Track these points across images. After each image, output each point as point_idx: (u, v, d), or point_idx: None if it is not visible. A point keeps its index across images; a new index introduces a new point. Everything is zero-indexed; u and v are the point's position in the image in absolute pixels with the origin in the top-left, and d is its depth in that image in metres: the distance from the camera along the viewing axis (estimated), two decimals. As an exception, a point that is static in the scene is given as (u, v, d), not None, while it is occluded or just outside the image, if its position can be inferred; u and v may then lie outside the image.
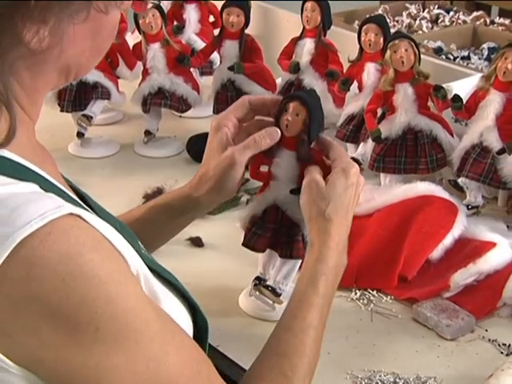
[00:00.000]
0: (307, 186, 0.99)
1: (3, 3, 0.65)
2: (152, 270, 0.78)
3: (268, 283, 1.14)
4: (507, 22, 2.46)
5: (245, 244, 1.11)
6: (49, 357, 0.66)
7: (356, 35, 1.52)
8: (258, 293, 1.15)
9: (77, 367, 0.66)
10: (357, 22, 2.27)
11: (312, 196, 0.98)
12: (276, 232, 1.08)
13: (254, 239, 1.10)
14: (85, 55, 0.74)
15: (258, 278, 1.16)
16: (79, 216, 0.67)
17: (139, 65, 1.67)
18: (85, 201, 0.81)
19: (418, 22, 2.42)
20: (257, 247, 1.10)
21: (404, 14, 2.48)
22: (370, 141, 1.45)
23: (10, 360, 0.65)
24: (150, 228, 1.05)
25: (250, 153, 1.01)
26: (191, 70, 1.70)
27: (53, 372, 0.67)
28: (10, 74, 0.69)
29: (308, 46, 1.60)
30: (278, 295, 1.13)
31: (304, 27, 1.61)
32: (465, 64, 2.10)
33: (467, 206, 1.39)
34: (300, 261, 1.11)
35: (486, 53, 2.19)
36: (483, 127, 1.36)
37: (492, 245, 1.25)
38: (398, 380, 1.04)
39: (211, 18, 1.91)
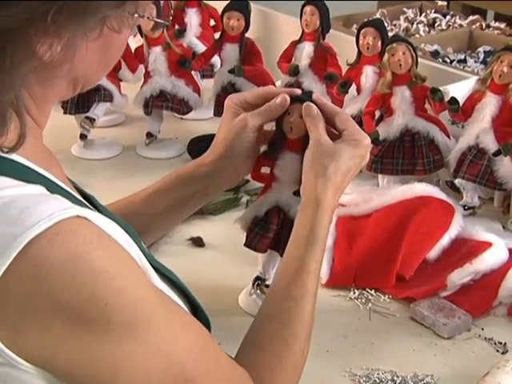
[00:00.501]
0: (315, 141, 0.96)
1: (20, 18, 0.65)
2: (154, 269, 0.78)
3: (267, 283, 1.14)
4: (502, 25, 2.47)
5: (247, 244, 1.10)
6: (62, 352, 0.66)
7: (354, 39, 1.52)
8: (258, 292, 1.14)
9: (90, 359, 0.67)
10: (355, 25, 2.27)
11: (318, 152, 0.95)
12: (278, 233, 1.08)
13: (256, 240, 1.09)
14: (93, 68, 0.75)
15: (257, 278, 1.16)
16: (85, 217, 0.67)
17: (141, 68, 1.67)
18: (90, 202, 0.82)
19: (415, 25, 2.42)
20: (259, 248, 1.10)
21: (401, 17, 2.48)
22: (368, 142, 1.45)
23: (23, 359, 0.66)
24: (165, 197, 1.04)
25: (262, 119, 1.01)
26: (192, 72, 1.70)
27: (66, 367, 0.67)
28: (21, 86, 0.69)
29: (307, 49, 1.60)
30: None
31: (303, 31, 1.61)
32: (461, 67, 2.10)
33: (464, 207, 1.39)
34: None
35: (481, 56, 2.19)
36: (479, 129, 1.36)
37: (488, 245, 1.25)
38: (395, 378, 1.04)
39: (212, 22, 1.91)
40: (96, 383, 0.69)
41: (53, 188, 0.70)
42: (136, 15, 0.73)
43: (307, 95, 1.03)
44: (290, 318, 0.86)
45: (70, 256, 0.64)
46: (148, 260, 0.77)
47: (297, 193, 1.03)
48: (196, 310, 0.85)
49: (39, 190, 0.69)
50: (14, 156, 0.70)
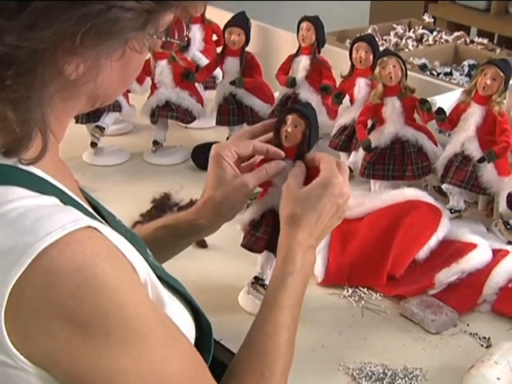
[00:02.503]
0: (285, 187, 0.97)
1: (51, 39, 0.64)
2: (159, 277, 0.77)
3: (265, 282, 1.14)
4: (485, 41, 2.48)
5: (243, 245, 1.10)
6: (63, 358, 0.66)
7: (348, 53, 1.52)
8: (255, 291, 1.14)
9: (88, 368, 0.66)
10: (348, 40, 2.27)
11: (286, 198, 0.96)
12: (273, 235, 1.08)
13: (251, 241, 1.09)
14: (113, 86, 0.75)
15: (255, 278, 1.15)
16: (95, 228, 0.67)
17: (148, 80, 1.67)
18: (98, 212, 0.81)
19: (404, 41, 2.42)
20: (254, 248, 1.10)
21: (391, 33, 2.48)
22: (360, 150, 1.45)
23: (29, 361, 0.65)
24: (155, 245, 1.04)
25: (259, 181, 1.03)
26: (196, 84, 1.69)
27: (67, 372, 0.67)
28: (48, 106, 0.69)
29: (304, 62, 1.60)
30: None
31: (300, 45, 1.61)
32: (447, 79, 2.10)
33: (450, 210, 1.38)
34: None
35: (466, 69, 2.20)
36: (465, 137, 1.36)
37: (473, 246, 1.25)
38: (386, 371, 1.03)
39: (214, 37, 1.91)
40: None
41: (66, 199, 0.70)
42: (155, 36, 0.72)
43: (306, 106, 1.03)
44: (265, 352, 0.85)
45: (78, 266, 0.64)
46: (152, 269, 0.77)
47: None
48: (198, 314, 0.84)
49: (53, 201, 0.68)
50: (31, 168, 0.70)
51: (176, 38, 0.80)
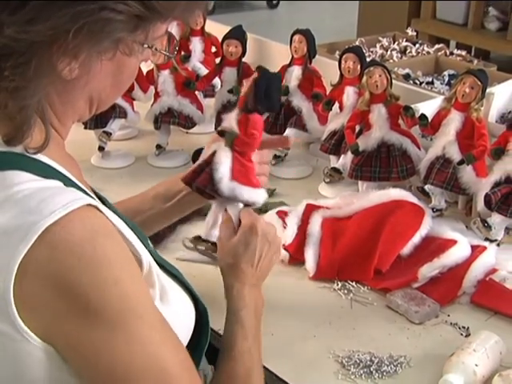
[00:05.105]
0: (218, 241, 0.98)
1: (47, 33, 0.65)
2: (160, 265, 0.77)
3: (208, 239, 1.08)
4: (464, 53, 2.48)
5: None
6: (62, 330, 0.65)
7: (337, 63, 1.52)
8: (202, 248, 1.09)
9: (81, 341, 0.65)
10: (338, 51, 2.26)
11: (221, 251, 0.96)
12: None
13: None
14: (106, 91, 0.75)
15: (198, 237, 1.10)
16: (96, 207, 0.67)
17: (151, 88, 1.66)
18: (103, 203, 0.81)
19: (389, 52, 2.42)
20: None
21: (377, 45, 2.48)
22: (349, 153, 1.45)
23: (35, 334, 0.65)
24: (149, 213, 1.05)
25: None
26: (196, 92, 1.69)
27: (65, 345, 0.66)
28: (44, 95, 0.70)
29: (296, 72, 1.59)
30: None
31: (292, 56, 1.60)
32: (429, 88, 2.10)
33: (432, 209, 1.38)
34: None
35: (446, 79, 2.20)
36: (446, 141, 1.36)
37: (453, 242, 1.25)
38: (373, 358, 1.03)
39: (213, 49, 1.90)
40: (80, 364, 0.67)
41: (69, 184, 0.70)
42: (146, 46, 0.73)
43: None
44: (236, 375, 0.84)
45: (79, 240, 0.64)
46: (153, 256, 0.76)
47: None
48: (196, 300, 0.84)
49: (56, 184, 0.69)
50: (38, 156, 0.70)
51: (165, 50, 0.80)
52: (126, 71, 0.74)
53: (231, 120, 1.01)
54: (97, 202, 0.68)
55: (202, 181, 1.00)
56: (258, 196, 1.00)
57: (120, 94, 0.78)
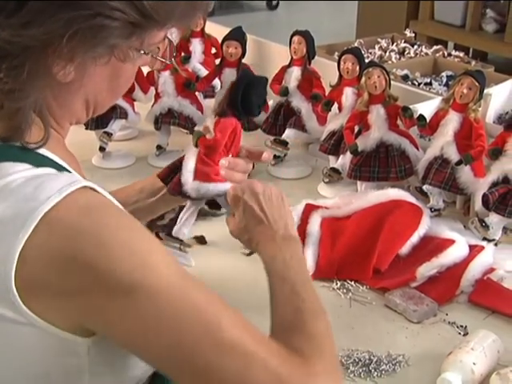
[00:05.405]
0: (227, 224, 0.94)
1: (41, 38, 0.65)
2: None
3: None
4: (461, 54, 2.48)
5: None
6: (75, 304, 0.64)
7: (336, 64, 1.52)
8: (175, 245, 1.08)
9: (110, 312, 0.64)
10: (336, 53, 2.26)
11: (233, 232, 0.93)
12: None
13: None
14: (102, 94, 0.75)
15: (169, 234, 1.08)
16: (93, 188, 0.68)
17: (152, 89, 1.66)
18: None
19: (387, 53, 2.42)
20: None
21: (376, 46, 2.48)
22: (348, 153, 1.45)
23: (38, 316, 0.65)
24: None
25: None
26: (196, 93, 1.69)
27: (100, 322, 0.65)
28: (40, 95, 0.70)
29: (295, 73, 1.59)
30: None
31: (292, 57, 1.60)
32: (427, 89, 2.10)
33: (431, 209, 1.38)
34: None
35: (444, 80, 2.19)
36: (444, 142, 1.36)
37: (451, 242, 1.25)
38: (372, 357, 1.03)
39: (213, 50, 1.90)
40: (101, 330, 0.66)
41: (64, 171, 0.70)
42: (142, 52, 0.72)
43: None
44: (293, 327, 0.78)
45: (76, 217, 0.64)
46: None
47: None
48: None
49: (50, 170, 0.69)
50: (42, 150, 0.70)
51: (161, 56, 0.79)
52: (123, 76, 0.74)
53: (210, 120, 0.98)
54: (93, 184, 0.68)
55: (173, 186, 0.98)
56: (226, 186, 0.95)
57: (117, 97, 0.78)
